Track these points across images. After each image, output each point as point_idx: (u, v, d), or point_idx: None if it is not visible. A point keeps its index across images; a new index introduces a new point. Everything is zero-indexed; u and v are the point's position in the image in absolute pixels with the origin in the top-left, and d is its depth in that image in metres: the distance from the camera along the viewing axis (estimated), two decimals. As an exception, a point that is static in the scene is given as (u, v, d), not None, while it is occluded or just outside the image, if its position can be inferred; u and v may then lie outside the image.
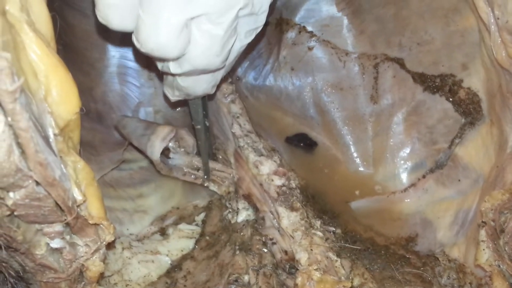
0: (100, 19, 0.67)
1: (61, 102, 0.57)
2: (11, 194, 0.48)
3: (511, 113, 0.77)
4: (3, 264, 0.56)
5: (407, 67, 1.04)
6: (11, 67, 0.44)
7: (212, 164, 1.03)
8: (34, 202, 0.50)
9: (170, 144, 1.01)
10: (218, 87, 1.04)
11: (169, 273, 0.92)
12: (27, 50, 0.54)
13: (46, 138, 0.50)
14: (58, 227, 0.58)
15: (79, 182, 0.60)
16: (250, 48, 1.20)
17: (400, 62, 1.05)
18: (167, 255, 0.95)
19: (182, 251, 0.96)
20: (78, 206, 0.58)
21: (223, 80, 1.05)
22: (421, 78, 1.01)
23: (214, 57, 0.68)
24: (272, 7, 0.89)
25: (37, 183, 0.49)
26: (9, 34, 0.49)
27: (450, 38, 0.93)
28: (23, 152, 0.45)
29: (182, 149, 1.03)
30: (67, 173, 0.55)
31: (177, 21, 0.61)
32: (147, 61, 1.13)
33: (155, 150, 0.98)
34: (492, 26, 0.72)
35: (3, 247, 0.53)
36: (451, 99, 0.96)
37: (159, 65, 0.76)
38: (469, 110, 0.92)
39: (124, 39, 1.18)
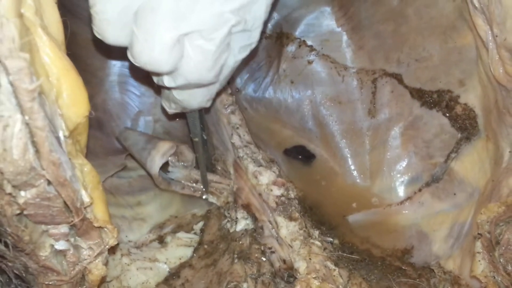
0: (96, 34, 0.69)
1: (71, 105, 0.58)
2: (22, 193, 0.49)
3: (507, 128, 0.79)
4: (9, 264, 0.56)
5: (405, 82, 1.06)
6: (30, 67, 0.45)
7: (210, 176, 1.04)
8: (44, 201, 0.51)
9: (170, 158, 1.02)
10: (217, 98, 1.06)
11: (167, 280, 0.92)
12: (40, 53, 0.56)
13: (58, 139, 0.51)
14: (64, 228, 0.59)
15: (85, 184, 0.61)
16: (246, 62, 1.23)
17: (398, 78, 1.07)
18: (165, 263, 0.95)
19: (180, 259, 0.97)
20: (85, 208, 0.58)
21: (223, 91, 1.07)
22: (418, 94, 1.04)
23: (207, 72, 0.70)
24: (266, 23, 0.91)
25: (49, 183, 0.50)
26: (26, 37, 0.50)
27: (448, 55, 0.95)
28: (37, 151, 0.46)
29: (181, 163, 1.04)
30: (76, 175, 0.56)
31: (170, 37, 0.63)
32: (143, 75, 1.15)
33: (154, 165, 0.99)
34: (490, 44, 0.74)
35: (10, 246, 0.53)
36: (447, 115, 0.98)
37: (155, 79, 0.78)
38: (466, 125, 0.94)
39: (125, 49, 1.19)
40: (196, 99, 0.80)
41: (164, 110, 0.90)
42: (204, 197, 1.05)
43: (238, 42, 0.72)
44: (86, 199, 0.57)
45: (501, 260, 0.74)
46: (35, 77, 0.44)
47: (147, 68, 0.68)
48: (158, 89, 0.90)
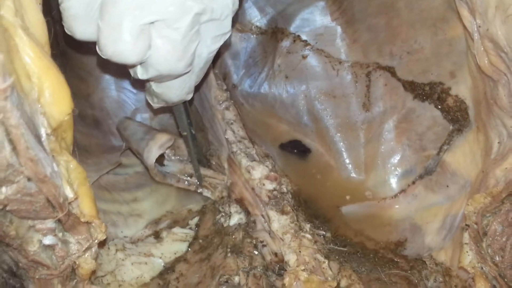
0: (66, 30, 0.70)
1: (53, 103, 0.59)
2: (3, 189, 0.50)
3: (495, 119, 0.79)
4: (-4, 259, 0.58)
5: (398, 75, 1.06)
6: (3, 67, 0.46)
7: (204, 171, 1.05)
8: (26, 197, 0.52)
9: (166, 152, 1.04)
10: (211, 94, 1.07)
11: (162, 274, 0.93)
12: (20, 53, 0.57)
13: (38, 137, 0.53)
14: (50, 223, 0.60)
15: (71, 181, 0.62)
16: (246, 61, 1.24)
17: (391, 71, 1.07)
18: (160, 258, 0.96)
19: (175, 253, 0.98)
20: (69, 203, 0.60)
21: (217, 87, 1.08)
22: (411, 86, 1.04)
23: (176, 62, 0.70)
24: (237, 14, 0.91)
25: (29, 179, 0.51)
26: (2, 37, 0.52)
27: (438, 47, 0.95)
28: (14, 148, 0.47)
29: (177, 157, 1.05)
30: (59, 171, 0.57)
31: (132, 27, 0.64)
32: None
33: (151, 155, 1.00)
34: (475, 34, 0.74)
35: (-4, 241, 0.55)
36: (439, 107, 0.98)
37: (131, 72, 0.79)
38: (457, 117, 0.94)
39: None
40: (174, 91, 0.81)
41: (149, 105, 0.91)
42: (198, 190, 1.06)
43: (209, 32, 0.73)
44: (70, 194, 0.59)
45: (489, 251, 0.74)
46: (8, 77, 0.45)
47: (114, 60, 0.68)
48: (135, 83, 0.91)
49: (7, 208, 0.53)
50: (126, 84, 1.21)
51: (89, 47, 1.16)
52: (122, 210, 1.02)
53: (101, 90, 1.19)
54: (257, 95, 1.23)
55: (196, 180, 1.05)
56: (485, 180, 0.78)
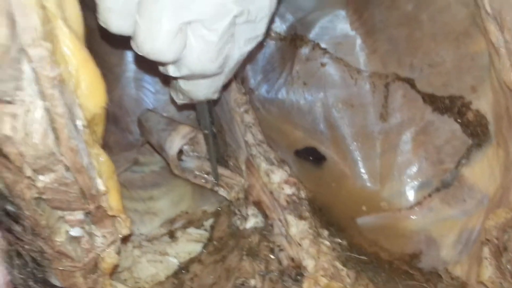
0: (101, 23, 0.70)
1: (89, 96, 0.60)
2: (41, 177, 0.51)
3: (517, 134, 0.79)
4: (26, 247, 0.58)
5: (417, 87, 1.06)
6: (51, 56, 0.47)
7: (221, 170, 1.05)
8: (62, 187, 0.53)
9: (185, 147, 1.04)
10: (231, 97, 1.08)
11: (176, 274, 0.94)
12: (61, 44, 0.57)
13: (76, 127, 0.53)
14: (79, 215, 0.61)
15: (101, 174, 0.62)
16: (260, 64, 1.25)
17: (410, 82, 1.08)
18: (175, 257, 0.97)
19: (189, 254, 0.98)
20: (100, 196, 0.60)
21: (237, 90, 1.09)
22: (430, 99, 1.04)
23: (210, 63, 0.71)
24: (273, 18, 0.91)
25: (66, 169, 0.51)
26: (48, 26, 0.52)
27: (460, 61, 0.96)
28: (56, 137, 0.48)
29: (195, 154, 1.05)
30: (93, 163, 0.58)
31: (171, 26, 0.64)
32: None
33: (173, 145, 1.01)
34: (502, 50, 0.75)
35: (28, 229, 0.55)
36: (459, 121, 0.98)
37: (161, 68, 0.79)
38: (477, 132, 0.95)
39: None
40: (201, 90, 0.81)
41: (173, 101, 0.92)
42: (215, 189, 1.06)
43: (243, 34, 0.73)
44: (101, 187, 0.59)
45: (508, 266, 0.74)
46: (55, 66, 0.45)
47: (150, 57, 0.69)
48: (165, 80, 0.91)
49: (43, 196, 0.53)
50: (145, 83, 1.22)
51: (109, 45, 1.18)
52: (138, 207, 1.03)
53: (120, 88, 1.20)
54: (274, 101, 1.24)
55: (213, 178, 1.05)
56: (506, 196, 0.78)
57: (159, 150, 1.06)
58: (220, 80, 0.80)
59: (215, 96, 0.86)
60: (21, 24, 0.46)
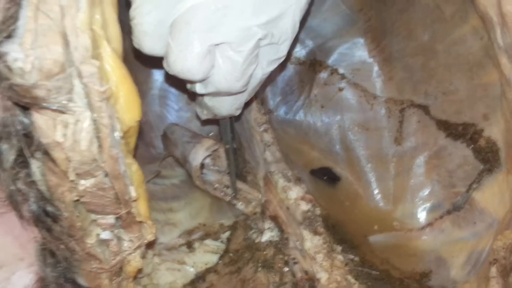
0: (135, 44, 0.77)
1: (126, 110, 0.65)
2: (82, 181, 0.56)
3: (526, 162, 0.83)
4: (61, 247, 0.63)
5: (431, 114, 1.11)
6: (100, 72, 0.52)
7: (240, 185, 1.10)
8: (100, 191, 0.58)
9: (207, 161, 1.09)
10: (251, 116, 1.13)
11: (193, 283, 0.98)
12: (103, 62, 0.63)
13: (115, 138, 0.58)
14: (111, 219, 0.66)
15: (132, 182, 0.67)
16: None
17: (425, 109, 1.12)
18: (192, 267, 1.01)
19: (206, 264, 1.02)
20: (131, 202, 0.65)
21: (257, 110, 1.14)
22: (444, 125, 1.08)
23: (235, 82, 0.76)
24: (295, 42, 0.96)
25: (106, 175, 0.56)
26: (96, 48, 0.58)
27: (473, 90, 1.00)
28: (100, 146, 0.53)
29: (216, 167, 1.11)
30: (127, 172, 0.63)
31: (201, 48, 0.70)
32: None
33: (197, 156, 1.07)
34: (513, 81, 0.79)
35: (65, 230, 0.60)
36: (471, 147, 1.02)
37: (188, 86, 0.86)
38: (488, 158, 0.98)
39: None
40: (225, 106, 0.87)
41: (197, 117, 0.98)
42: (233, 202, 1.10)
43: (266, 56, 0.78)
44: (133, 193, 0.64)
45: (514, 286, 0.77)
46: (104, 82, 0.51)
47: (180, 76, 0.74)
48: (190, 95, 0.97)
49: (82, 199, 0.58)
50: (169, 101, 1.28)
51: (137, 64, 1.25)
52: (159, 218, 1.07)
53: (145, 104, 1.26)
54: (292, 122, 1.29)
55: (231, 192, 1.10)
56: (514, 219, 0.82)
57: (183, 161, 1.11)
58: (243, 97, 0.86)
59: (237, 113, 0.92)
60: (74, 44, 0.52)
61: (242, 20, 0.71)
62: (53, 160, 0.52)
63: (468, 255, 0.97)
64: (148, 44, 0.75)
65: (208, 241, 1.06)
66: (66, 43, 0.52)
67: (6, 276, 1.04)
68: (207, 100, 0.88)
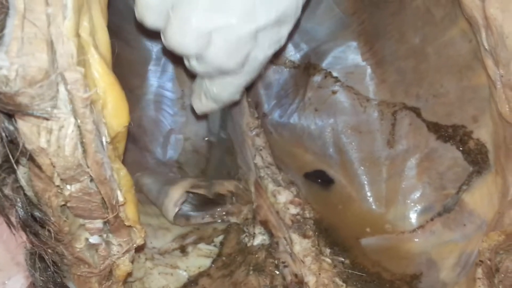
0: (138, 18, 0.79)
1: (114, 116, 0.66)
2: (68, 186, 0.57)
3: (513, 163, 0.84)
4: (49, 251, 0.64)
5: (422, 116, 1.11)
6: (84, 79, 0.53)
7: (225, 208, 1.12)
8: (85, 196, 0.59)
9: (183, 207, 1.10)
10: (243, 121, 1.14)
11: (185, 287, 0.98)
12: (91, 69, 0.64)
13: (101, 143, 0.59)
14: (99, 224, 0.67)
15: (120, 186, 0.68)
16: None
17: (416, 112, 1.13)
18: (185, 271, 1.02)
19: (199, 268, 1.03)
20: (118, 206, 0.66)
21: (249, 114, 1.15)
22: (435, 128, 1.09)
23: (227, 58, 0.78)
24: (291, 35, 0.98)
25: (91, 180, 0.57)
26: (81, 55, 0.59)
27: (463, 92, 1.01)
28: (84, 151, 0.54)
29: (197, 202, 1.11)
30: (114, 176, 0.64)
31: (199, 25, 0.72)
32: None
33: (169, 214, 1.07)
34: (498, 83, 0.79)
35: (53, 234, 0.61)
36: (461, 149, 1.03)
37: (186, 62, 0.86)
38: (477, 159, 0.99)
39: (163, 70, 1.30)
40: (226, 89, 0.89)
41: (193, 111, 0.99)
42: (225, 220, 1.11)
43: (267, 38, 0.79)
44: (120, 198, 0.65)
45: (500, 286, 0.77)
46: (88, 88, 0.52)
47: (176, 50, 0.77)
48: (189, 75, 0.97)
49: (68, 204, 0.59)
50: (165, 106, 1.29)
51: (132, 69, 1.26)
52: (152, 222, 1.08)
53: (140, 109, 1.27)
54: (286, 125, 1.29)
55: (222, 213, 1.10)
56: (501, 220, 0.82)
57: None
58: (243, 79, 0.87)
59: (237, 97, 0.93)
60: (59, 51, 0.53)
61: (248, 2, 0.72)
62: (38, 166, 0.53)
63: (458, 257, 0.98)
64: (151, 18, 0.77)
65: (201, 245, 1.07)
66: (52, 50, 0.53)
67: (1, 281, 1.05)
68: (208, 83, 0.89)
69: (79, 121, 0.51)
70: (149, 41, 1.30)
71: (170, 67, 1.32)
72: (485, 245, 0.79)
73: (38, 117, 0.48)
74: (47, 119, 0.49)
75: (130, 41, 1.27)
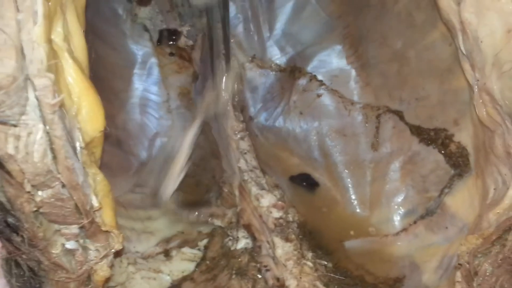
0: None
1: (89, 121, 0.66)
2: (40, 192, 0.57)
3: (492, 167, 0.84)
4: (24, 257, 0.64)
5: (405, 119, 1.12)
6: (53, 86, 0.53)
7: (212, 209, 1.12)
8: (58, 202, 0.59)
9: None
10: (227, 122, 1.15)
11: (168, 291, 0.99)
12: (65, 74, 0.64)
13: (74, 149, 0.59)
14: (74, 229, 0.66)
15: (97, 191, 0.68)
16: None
17: (399, 115, 1.13)
18: (168, 275, 1.02)
19: (183, 272, 1.03)
20: (94, 212, 0.66)
21: (234, 118, 1.16)
22: (417, 131, 1.09)
23: None
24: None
25: (63, 186, 0.57)
26: (52, 60, 0.59)
27: (444, 95, 1.01)
28: (54, 157, 0.54)
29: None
30: (88, 182, 0.64)
31: None
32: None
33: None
34: (475, 87, 0.80)
35: (26, 241, 0.61)
36: (443, 152, 1.03)
37: None
38: (458, 162, 0.99)
39: (148, 74, 1.30)
40: None
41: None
42: (209, 221, 1.11)
43: None
44: (95, 203, 0.65)
45: (479, 290, 0.78)
46: (57, 94, 0.52)
47: None
48: None
49: (40, 210, 0.59)
50: (150, 109, 1.30)
51: (116, 72, 1.26)
52: (136, 226, 1.08)
53: (125, 112, 1.27)
54: (272, 128, 1.30)
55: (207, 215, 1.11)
56: (479, 223, 0.82)
57: None
58: None
59: None
60: (29, 57, 0.53)
61: None
62: (8, 172, 0.53)
63: (440, 260, 0.98)
64: None
65: (185, 249, 1.07)
66: (22, 56, 0.53)
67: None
68: None
69: (47, 127, 0.51)
70: (134, 45, 1.30)
71: (156, 71, 1.32)
72: (464, 248, 0.79)
73: (5, 123, 0.48)
74: (14, 125, 0.49)
75: (115, 45, 1.27)
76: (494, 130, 0.79)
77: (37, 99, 0.51)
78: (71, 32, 0.68)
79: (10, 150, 0.50)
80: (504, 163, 0.79)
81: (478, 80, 0.77)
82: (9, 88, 0.48)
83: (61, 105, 0.54)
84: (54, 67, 0.59)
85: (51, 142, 0.53)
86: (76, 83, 0.64)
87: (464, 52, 0.81)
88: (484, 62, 0.73)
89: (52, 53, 0.60)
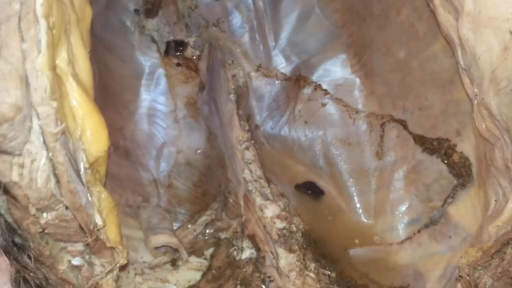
0: None
1: (93, 142, 0.68)
2: (44, 214, 0.59)
3: (493, 179, 0.84)
4: (31, 274, 0.66)
5: (409, 128, 1.13)
6: (56, 114, 0.55)
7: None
8: (62, 223, 0.61)
9: None
10: (233, 135, 1.16)
11: (175, 301, 1.01)
12: (69, 97, 0.66)
13: (77, 171, 0.62)
14: (79, 246, 0.69)
15: (101, 209, 0.70)
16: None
17: (403, 124, 1.14)
18: (175, 285, 1.04)
19: (189, 282, 1.05)
20: (98, 230, 0.68)
21: (239, 127, 1.17)
22: (421, 140, 1.10)
23: None
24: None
25: (66, 208, 0.60)
26: (56, 85, 0.61)
27: (446, 106, 1.02)
28: (57, 181, 0.56)
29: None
30: (92, 201, 0.66)
31: None
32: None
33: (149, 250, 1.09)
34: (474, 101, 0.80)
35: (33, 258, 0.63)
36: (446, 161, 1.04)
37: None
38: (461, 172, 1.00)
39: (156, 84, 1.32)
40: None
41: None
42: (217, 235, 1.14)
43: None
44: (99, 222, 0.67)
45: (479, 302, 0.78)
46: (59, 122, 0.54)
47: None
48: None
49: (46, 231, 0.61)
50: (158, 119, 1.32)
51: (126, 84, 1.29)
52: (143, 237, 1.10)
53: (134, 123, 1.29)
54: (278, 137, 1.31)
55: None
56: (480, 235, 0.83)
57: None
58: None
59: None
60: (34, 86, 0.55)
61: None
62: (13, 197, 0.55)
63: (444, 269, 0.99)
64: None
65: (192, 258, 1.09)
66: (26, 85, 0.55)
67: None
68: None
69: (50, 154, 0.53)
70: (142, 56, 1.32)
71: (163, 81, 1.34)
72: (464, 260, 0.80)
73: (9, 153, 0.51)
74: (19, 154, 0.52)
75: (124, 57, 1.29)
76: (493, 143, 0.80)
77: (40, 127, 0.53)
78: (76, 55, 0.71)
79: (15, 177, 0.52)
80: (503, 176, 0.80)
81: (476, 95, 0.78)
82: (14, 120, 0.50)
83: (64, 131, 0.56)
84: (57, 92, 0.61)
85: (54, 168, 0.55)
86: (80, 106, 0.67)
87: (463, 66, 0.81)
88: (482, 78, 0.73)
89: (57, 79, 0.62)
